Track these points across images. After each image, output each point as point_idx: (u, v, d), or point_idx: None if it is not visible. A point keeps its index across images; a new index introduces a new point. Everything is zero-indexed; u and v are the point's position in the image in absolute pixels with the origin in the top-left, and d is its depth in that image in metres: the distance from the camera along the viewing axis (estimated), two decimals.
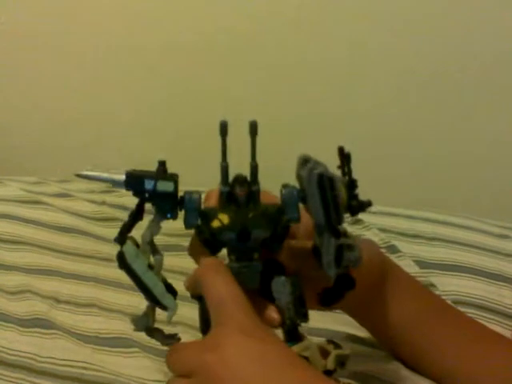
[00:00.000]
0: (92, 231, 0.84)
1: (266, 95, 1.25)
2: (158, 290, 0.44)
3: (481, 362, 0.51)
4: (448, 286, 0.69)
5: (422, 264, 0.72)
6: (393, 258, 0.72)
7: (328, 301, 0.46)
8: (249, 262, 0.45)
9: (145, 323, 0.46)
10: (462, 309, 0.67)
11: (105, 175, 0.44)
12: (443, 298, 0.67)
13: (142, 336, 0.66)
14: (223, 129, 0.42)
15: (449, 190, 1.24)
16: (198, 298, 0.46)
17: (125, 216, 0.85)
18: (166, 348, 0.64)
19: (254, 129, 0.41)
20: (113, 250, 0.80)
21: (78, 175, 0.44)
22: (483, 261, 0.73)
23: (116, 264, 0.77)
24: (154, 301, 0.44)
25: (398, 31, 1.19)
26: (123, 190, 0.97)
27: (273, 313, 0.44)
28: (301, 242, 0.47)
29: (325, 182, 0.41)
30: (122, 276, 0.75)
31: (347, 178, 0.44)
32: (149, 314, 0.46)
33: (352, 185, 0.44)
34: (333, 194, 0.42)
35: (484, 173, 1.24)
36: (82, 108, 1.43)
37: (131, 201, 0.89)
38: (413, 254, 0.74)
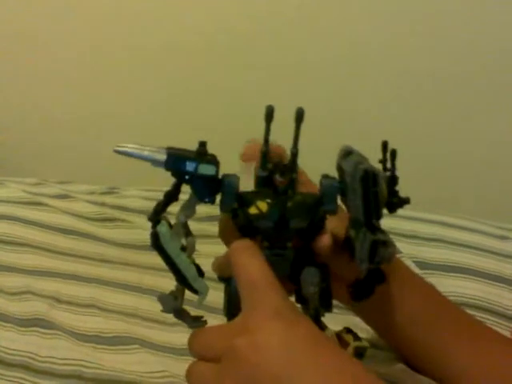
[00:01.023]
0: (92, 232, 0.84)
1: (266, 95, 1.25)
2: (190, 273, 0.43)
3: (481, 360, 0.51)
4: (448, 287, 0.69)
5: (421, 265, 0.72)
6: None
7: (359, 295, 0.46)
8: (281, 250, 0.44)
9: (173, 305, 0.44)
10: None
11: (145, 153, 0.42)
12: None
13: (142, 333, 0.66)
14: (269, 114, 0.41)
15: (449, 191, 1.24)
16: (226, 280, 0.45)
17: (125, 217, 0.87)
18: (166, 345, 0.65)
19: (300, 116, 0.41)
20: (113, 251, 0.81)
21: (117, 151, 0.42)
22: (483, 262, 0.73)
23: (115, 265, 0.78)
24: (186, 284, 0.43)
25: (399, 31, 1.19)
26: (124, 191, 0.98)
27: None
28: (333, 234, 0.46)
29: (369, 178, 0.41)
30: (121, 276, 0.76)
31: (388, 173, 0.44)
32: (178, 295, 0.44)
33: (394, 181, 0.44)
34: (375, 190, 0.41)
35: (484, 173, 1.24)
36: (82, 108, 1.43)
37: (131, 202, 0.91)
38: (413, 255, 0.74)
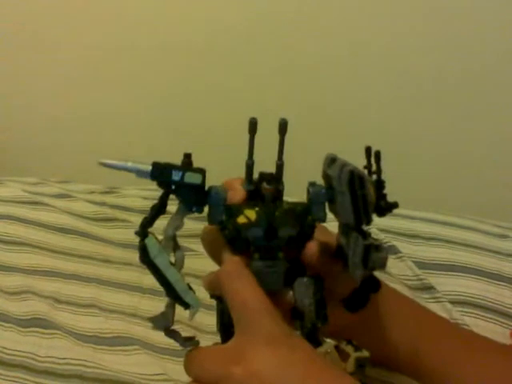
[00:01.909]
0: (92, 232, 0.84)
1: (266, 95, 1.25)
2: (181, 286, 0.43)
3: (471, 369, 0.50)
4: (448, 286, 0.69)
5: (421, 265, 0.72)
6: (393, 258, 0.73)
7: (354, 305, 0.45)
8: (272, 261, 0.43)
9: (164, 322, 0.44)
10: (461, 309, 0.67)
11: (129, 165, 0.42)
12: (443, 298, 0.68)
13: (142, 333, 0.67)
14: (252, 126, 0.41)
15: (449, 190, 1.24)
16: (218, 298, 0.45)
17: (125, 217, 0.87)
18: (165, 346, 0.65)
19: (283, 127, 0.41)
20: (112, 250, 0.81)
21: (102, 163, 0.42)
22: (483, 261, 0.73)
23: (116, 265, 0.78)
24: (177, 298, 0.43)
25: (397, 32, 1.19)
26: (124, 191, 0.98)
27: None
28: (323, 243, 0.46)
29: (355, 179, 0.40)
30: (121, 276, 0.76)
31: (375, 177, 0.43)
32: (168, 313, 0.44)
33: (381, 185, 0.43)
34: (363, 192, 0.41)
35: (484, 173, 1.24)
36: (81, 108, 1.43)
37: (131, 202, 0.91)
38: (412, 255, 0.74)
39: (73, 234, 0.84)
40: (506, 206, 1.16)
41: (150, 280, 0.74)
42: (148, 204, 0.87)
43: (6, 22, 1.38)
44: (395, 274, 0.71)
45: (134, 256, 0.79)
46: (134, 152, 1.35)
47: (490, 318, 0.66)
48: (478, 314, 0.66)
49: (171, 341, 0.65)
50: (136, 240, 0.81)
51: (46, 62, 1.41)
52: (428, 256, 0.74)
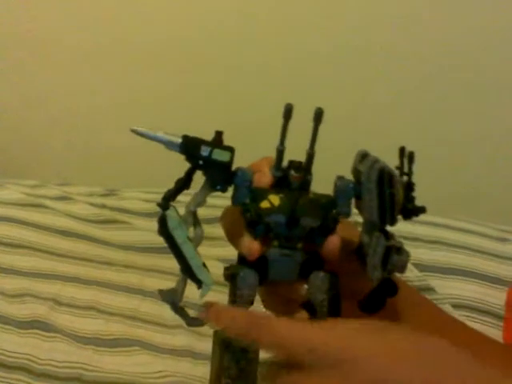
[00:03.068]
0: (92, 234, 0.84)
1: (266, 94, 1.25)
2: (196, 262, 0.42)
3: None
4: (448, 289, 0.69)
5: (421, 267, 0.72)
6: None
7: (370, 307, 0.43)
8: (291, 250, 0.43)
9: (172, 297, 0.44)
10: (461, 312, 0.67)
11: (160, 135, 0.43)
12: (443, 301, 0.68)
13: (142, 335, 0.67)
14: (288, 112, 0.41)
15: (449, 193, 1.24)
16: (232, 279, 0.44)
17: (125, 219, 0.87)
18: (166, 346, 0.65)
19: (318, 116, 0.40)
20: (113, 253, 0.81)
21: (133, 130, 0.43)
22: (483, 264, 0.73)
23: (116, 267, 0.78)
24: (190, 274, 0.43)
25: (404, 27, 1.19)
26: (124, 193, 0.97)
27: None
28: (344, 239, 0.44)
29: (385, 177, 0.40)
30: (122, 279, 0.76)
31: (405, 179, 0.43)
32: (178, 289, 0.44)
33: (411, 187, 0.43)
34: (391, 191, 0.40)
35: (484, 176, 1.24)
36: (81, 109, 1.43)
37: (131, 204, 0.91)
38: (412, 258, 0.73)
39: (73, 237, 0.84)
40: (505, 210, 1.16)
41: (150, 282, 0.75)
42: (148, 207, 0.88)
43: (5, 22, 1.38)
44: (395, 276, 0.71)
45: (135, 258, 0.80)
46: (136, 154, 1.35)
47: (489, 322, 0.66)
48: (477, 318, 0.66)
49: (172, 341, 0.65)
50: (136, 242, 0.82)
51: (46, 63, 1.41)
52: (428, 259, 0.74)
